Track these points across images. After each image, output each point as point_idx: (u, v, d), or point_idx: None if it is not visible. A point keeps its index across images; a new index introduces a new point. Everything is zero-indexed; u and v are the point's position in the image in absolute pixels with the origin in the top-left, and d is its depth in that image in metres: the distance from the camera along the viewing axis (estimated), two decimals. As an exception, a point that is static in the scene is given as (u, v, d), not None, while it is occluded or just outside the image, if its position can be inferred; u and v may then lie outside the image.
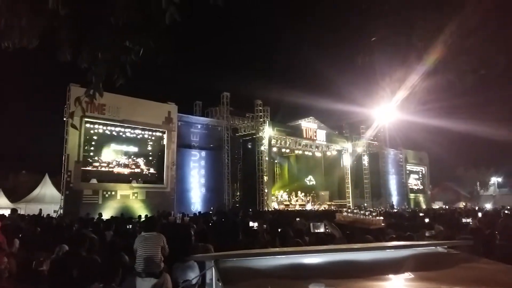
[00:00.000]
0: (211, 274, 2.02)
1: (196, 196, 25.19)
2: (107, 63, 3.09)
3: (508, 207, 25.73)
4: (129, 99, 21.57)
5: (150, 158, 23.58)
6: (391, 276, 1.94)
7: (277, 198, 30.42)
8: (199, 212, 18.33)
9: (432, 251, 2.45)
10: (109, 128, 21.70)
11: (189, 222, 10.31)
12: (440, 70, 4.33)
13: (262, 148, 28.42)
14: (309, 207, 29.64)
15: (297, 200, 31.35)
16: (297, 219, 11.00)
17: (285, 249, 2.42)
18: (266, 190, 27.81)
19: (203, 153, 26.08)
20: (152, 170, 23.52)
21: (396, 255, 2.40)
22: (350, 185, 34.66)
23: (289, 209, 26.28)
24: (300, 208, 27.66)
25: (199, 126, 26.31)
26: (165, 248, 5.40)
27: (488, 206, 37.93)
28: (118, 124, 21.79)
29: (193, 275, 4.62)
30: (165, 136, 23.67)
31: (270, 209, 24.66)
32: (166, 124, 23.60)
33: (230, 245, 5.06)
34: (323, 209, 26.45)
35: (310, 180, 35.53)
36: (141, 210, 20.10)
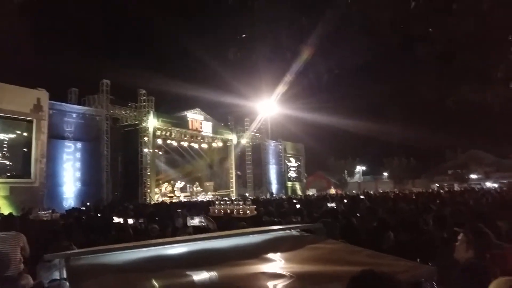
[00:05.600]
0: (63, 273, 1.91)
1: (70, 191, 23.19)
2: None
3: (371, 192, 29.34)
4: (-11, 84, 18.87)
5: (16, 149, 20.93)
6: (250, 260, 2.07)
7: (161, 191, 29.80)
8: (73, 208, 16.99)
9: (287, 234, 2.69)
10: (-38, 115, 18.65)
11: (58, 219, 9.49)
12: (305, 70, 4.75)
13: (146, 139, 27.51)
14: (194, 198, 29.71)
15: (181, 192, 31.14)
16: (178, 210, 10.93)
17: (145, 242, 2.41)
18: (149, 183, 27.05)
19: (79, 144, 24.05)
20: (17, 163, 20.96)
21: (257, 239, 2.58)
22: (234, 176, 35.67)
23: (173, 201, 25.93)
24: (185, 200, 27.53)
25: (74, 115, 24.10)
26: (26, 248, 4.95)
27: (354, 191, 42.67)
28: (-25, 111, 18.88)
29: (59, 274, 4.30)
30: (33, 125, 21.20)
31: (153, 202, 24.03)
32: (35, 113, 21.11)
33: (100, 242, 4.83)
34: (208, 199, 26.73)
35: (195, 171, 35.58)
36: (4, 208, 17.80)
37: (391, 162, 54.17)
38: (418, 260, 3.46)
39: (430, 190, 29.61)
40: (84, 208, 17.48)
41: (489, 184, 42.05)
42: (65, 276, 1.83)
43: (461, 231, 3.46)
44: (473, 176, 50.63)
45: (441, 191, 24.28)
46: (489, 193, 15.81)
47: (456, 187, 38.56)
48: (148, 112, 27.32)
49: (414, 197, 16.43)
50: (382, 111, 53.56)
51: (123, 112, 27.27)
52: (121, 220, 7.59)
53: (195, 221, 5.56)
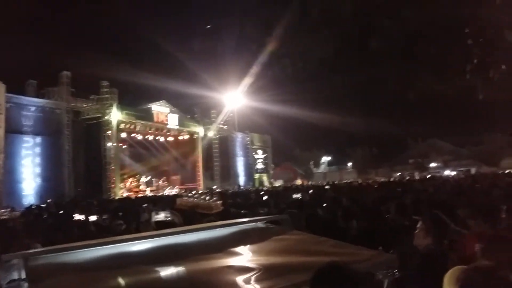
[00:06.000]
0: (22, 273, 1.85)
1: (30, 188, 22.27)
2: None
3: (336, 182, 29.99)
4: None
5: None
6: (216, 254, 2.07)
7: (126, 185, 29.22)
8: (32, 205, 16.36)
9: (253, 226, 2.71)
10: None
11: (18, 217, 9.12)
12: (270, 62, 4.78)
13: (109, 132, 26.78)
14: (160, 192, 29.32)
15: (147, 186, 30.67)
16: (144, 205, 10.77)
17: (108, 239, 2.36)
18: (113, 178, 26.42)
19: (38, 139, 23.08)
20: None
21: (223, 233, 2.58)
22: (201, 169, 35.45)
23: (138, 196, 25.48)
24: (151, 194, 27.13)
25: (33, 109, 23.04)
26: None
27: (320, 182, 43.50)
28: None
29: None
30: (-11, 119, 20.17)
31: (117, 197, 23.53)
32: (-10, 106, 20.12)
33: (62, 240, 4.69)
34: (174, 193, 26.46)
35: (161, 165, 35.05)
36: (-43, 207, 16.90)
37: (355, 152, 55.56)
38: (380, 247, 3.59)
39: (392, 179, 30.63)
40: (44, 205, 16.86)
41: (447, 172, 43.94)
42: (24, 276, 1.77)
43: (419, 218, 3.61)
44: (432, 164, 52.73)
45: (403, 180, 25.15)
46: (447, 181, 16.54)
47: (417, 175, 40.00)
48: (111, 105, 26.56)
49: (376, 186, 16.97)
50: (346, 102, 54.87)
51: (85, 105, 26.41)
52: (82, 217, 7.35)
53: (161, 216, 5.47)
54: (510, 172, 23.63)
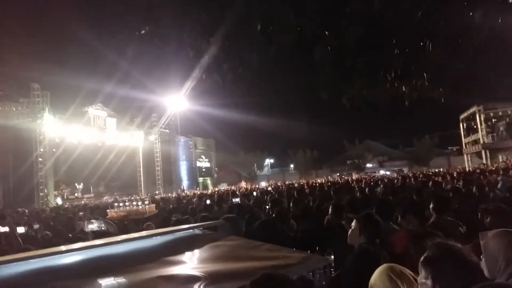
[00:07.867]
0: None
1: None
2: None
3: (279, 183, 30.41)
4: None
5: None
6: (150, 264, 2.01)
7: (61, 193, 27.64)
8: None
9: (191, 234, 2.67)
10: None
11: None
12: (211, 66, 4.78)
13: (41, 138, 25.21)
14: (99, 199, 28.04)
15: (84, 193, 29.25)
16: (80, 213, 10.25)
17: (36, 252, 2.21)
18: (47, 186, 24.91)
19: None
20: None
21: (159, 241, 2.52)
22: (142, 174, 34.43)
23: (74, 203, 24.18)
24: (88, 202, 25.85)
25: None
26: None
27: (263, 184, 43.93)
28: None
29: None
30: None
31: (51, 206, 22.17)
32: None
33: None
34: (113, 200, 25.42)
35: (99, 171, 33.53)
36: None
37: (297, 155, 56.84)
38: (317, 248, 3.69)
39: (331, 179, 31.70)
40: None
41: (382, 172, 46.38)
42: None
43: (354, 217, 3.76)
44: (369, 165, 55.38)
45: (340, 180, 26.13)
46: (382, 180, 17.39)
47: (354, 175, 41.78)
48: (43, 109, 25.08)
49: (311, 185, 17.48)
50: (288, 107, 56.47)
51: (14, 109, 24.74)
52: (6, 229, 6.78)
53: (94, 226, 5.21)
54: (438, 171, 25.42)
